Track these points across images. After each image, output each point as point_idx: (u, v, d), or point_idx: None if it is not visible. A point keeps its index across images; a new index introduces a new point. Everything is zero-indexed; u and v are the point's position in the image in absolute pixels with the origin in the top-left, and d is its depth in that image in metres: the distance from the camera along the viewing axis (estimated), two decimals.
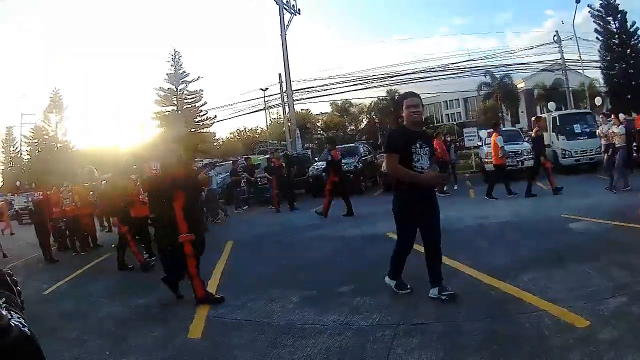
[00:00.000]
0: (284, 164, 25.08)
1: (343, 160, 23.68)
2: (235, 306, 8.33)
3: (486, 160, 26.95)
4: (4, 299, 1.62)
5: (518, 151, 25.79)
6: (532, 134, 20.95)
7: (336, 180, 19.17)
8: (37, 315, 8.83)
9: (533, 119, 25.33)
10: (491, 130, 23.88)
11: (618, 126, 18.11)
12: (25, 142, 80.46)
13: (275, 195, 24.30)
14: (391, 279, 7.86)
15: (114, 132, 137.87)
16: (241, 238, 15.35)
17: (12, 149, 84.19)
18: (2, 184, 78.23)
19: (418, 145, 7.26)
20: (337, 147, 22.51)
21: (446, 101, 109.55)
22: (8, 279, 1.90)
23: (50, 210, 18.60)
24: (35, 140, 77.58)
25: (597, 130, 20.25)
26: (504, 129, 33.79)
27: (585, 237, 10.81)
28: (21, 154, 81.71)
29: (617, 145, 17.75)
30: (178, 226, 8.66)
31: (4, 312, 1.48)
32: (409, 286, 7.75)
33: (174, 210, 8.63)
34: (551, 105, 34.75)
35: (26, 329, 1.52)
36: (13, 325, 1.47)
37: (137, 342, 7.16)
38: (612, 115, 19.46)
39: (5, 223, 21.80)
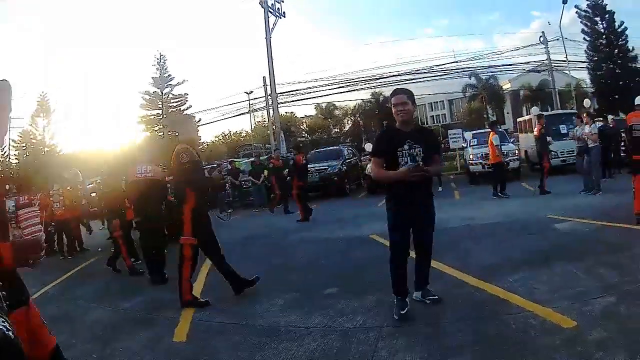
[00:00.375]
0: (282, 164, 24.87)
1: (326, 163, 23.72)
2: (220, 309, 8.34)
3: (471, 162, 27.06)
4: None
5: (503, 152, 25.73)
6: (535, 133, 21.23)
7: (301, 185, 19.62)
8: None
9: (534, 116, 25.76)
10: (488, 130, 24.08)
11: (590, 125, 18.20)
12: (13, 146, 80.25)
13: (278, 196, 24.17)
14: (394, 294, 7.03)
15: (100, 135, 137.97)
16: (226, 241, 15.27)
17: (0, 153, 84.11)
18: None
19: (407, 146, 6.80)
20: (305, 151, 22.83)
21: (431, 103, 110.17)
22: None
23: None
24: (24, 145, 77.38)
25: (571, 133, 20.46)
26: (485, 130, 33.98)
27: (571, 238, 10.84)
28: (9, 158, 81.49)
29: (590, 146, 17.83)
30: (183, 227, 8.68)
31: None
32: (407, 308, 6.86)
33: (183, 210, 8.65)
34: (534, 109, 34.83)
35: (10, 333, 1.50)
36: None
37: (123, 345, 7.14)
38: (585, 115, 19.56)
39: None
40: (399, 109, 6.92)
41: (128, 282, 11.84)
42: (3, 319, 1.53)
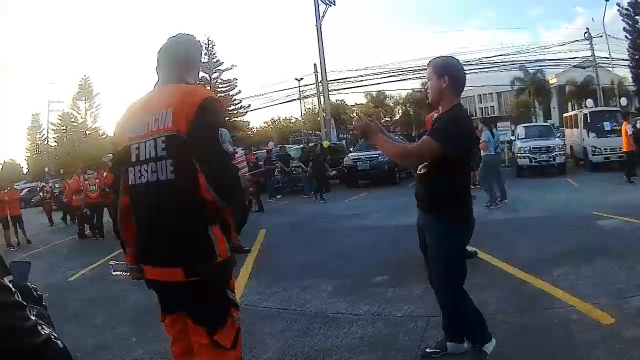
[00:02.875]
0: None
1: (377, 152, 23.78)
2: (267, 294, 8.43)
3: (519, 155, 26.85)
4: (35, 312, 1.71)
5: (550, 146, 25.77)
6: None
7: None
8: (62, 301, 9.12)
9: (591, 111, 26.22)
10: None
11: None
12: (52, 129, 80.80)
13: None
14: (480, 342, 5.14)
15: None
16: (274, 226, 15.44)
17: (38, 135, 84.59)
18: (27, 170, 78.71)
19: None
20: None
21: (480, 95, 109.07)
22: (34, 293, 2.00)
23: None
24: (64, 127, 77.88)
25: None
26: (533, 124, 33.71)
27: (613, 235, 10.78)
28: (48, 141, 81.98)
29: None
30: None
31: (46, 331, 1.59)
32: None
33: None
34: (589, 102, 34.32)
35: (59, 342, 1.63)
36: (51, 340, 1.58)
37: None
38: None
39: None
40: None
41: None
42: (51, 330, 1.64)
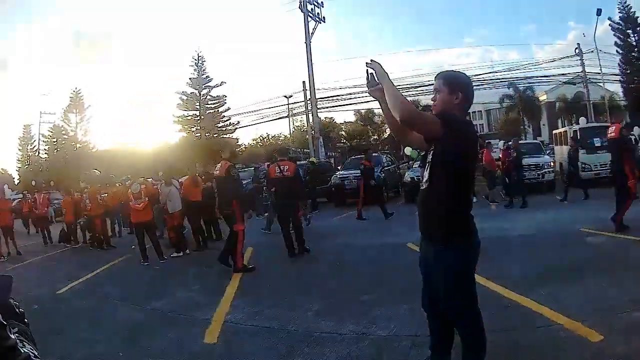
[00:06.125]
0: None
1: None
2: (253, 312, 8.40)
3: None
4: (16, 329, 1.65)
5: (539, 164, 25.78)
6: None
7: None
8: (50, 314, 9.16)
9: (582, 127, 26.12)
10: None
11: None
12: (43, 141, 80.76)
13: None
14: None
15: (136, 133, 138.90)
16: (262, 244, 15.38)
17: (29, 147, 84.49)
18: (18, 181, 78.65)
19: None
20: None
21: (469, 113, 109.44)
22: (16, 310, 1.94)
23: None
24: (54, 139, 77.88)
25: None
26: (522, 142, 33.77)
27: (602, 251, 10.85)
28: (39, 152, 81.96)
29: None
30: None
31: (27, 349, 1.52)
32: None
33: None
34: (582, 120, 34.27)
35: None
36: (30, 358, 1.51)
37: (151, 344, 7.25)
38: None
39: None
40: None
41: (159, 281, 12.07)
42: (31, 347, 1.60)
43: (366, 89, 4.74)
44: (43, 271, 15.34)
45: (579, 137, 26.94)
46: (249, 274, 11.45)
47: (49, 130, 79.23)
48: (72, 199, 21.33)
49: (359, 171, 23.66)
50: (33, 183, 48.02)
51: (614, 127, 13.43)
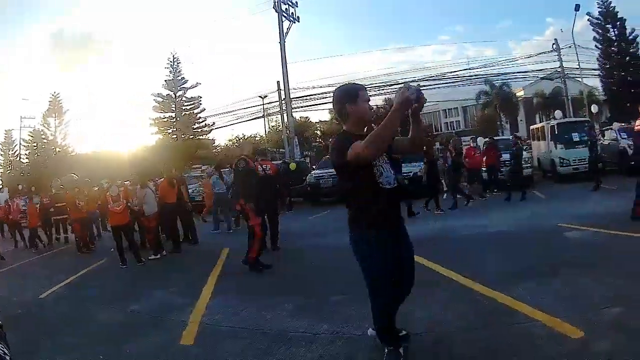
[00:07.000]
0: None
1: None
2: (229, 313, 8.38)
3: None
4: None
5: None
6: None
7: None
8: (33, 319, 9.33)
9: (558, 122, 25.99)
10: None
11: None
12: (24, 146, 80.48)
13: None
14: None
15: (113, 137, 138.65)
16: (237, 245, 15.33)
17: (10, 152, 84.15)
18: (1, 186, 78.29)
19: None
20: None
21: (445, 110, 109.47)
22: None
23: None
24: (35, 144, 77.63)
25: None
26: (501, 137, 33.88)
27: (580, 246, 10.83)
28: (20, 157, 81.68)
29: None
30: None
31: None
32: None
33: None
34: (557, 113, 34.37)
35: (8, 357, 1.54)
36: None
37: (131, 347, 7.20)
38: None
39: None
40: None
41: (138, 284, 12.08)
42: (2, 345, 1.57)
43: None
44: (26, 276, 15.37)
45: (556, 132, 27.09)
46: (223, 276, 11.47)
47: (29, 135, 79.05)
48: (43, 203, 22.20)
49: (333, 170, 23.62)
50: (20, 187, 47.91)
51: (639, 121, 13.58)
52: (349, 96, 5.39)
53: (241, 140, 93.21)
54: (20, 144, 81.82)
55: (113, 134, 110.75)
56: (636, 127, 13.83)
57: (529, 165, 26.41)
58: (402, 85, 4.86)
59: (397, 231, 5.44)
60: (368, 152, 4.78)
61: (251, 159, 12.68)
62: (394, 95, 4.97)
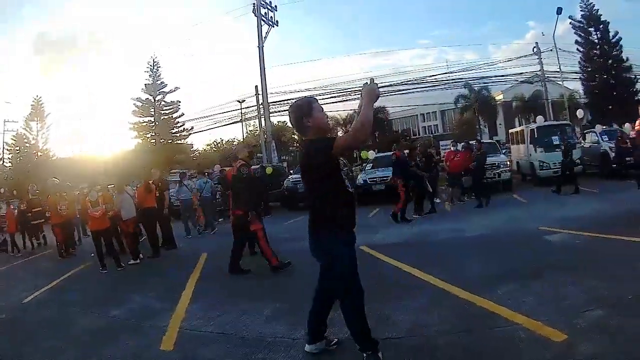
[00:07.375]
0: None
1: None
2: (208, 318, 8.33)
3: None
4: None
5: (495, 163, 25.79)
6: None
7: None
8: (16, 323, 9.39)
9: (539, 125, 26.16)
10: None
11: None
12: (7, 150, 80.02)
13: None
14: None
15: (94, 141, 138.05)
16: (216, 250, 15.25)
17: None
18: None
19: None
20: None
21: (423, 114, 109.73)
22: None
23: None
24: (17, 148, 77.20)
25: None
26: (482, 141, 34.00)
27: (562, 249, 10.81)
28: (3, 161, 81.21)
29: None
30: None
31: None
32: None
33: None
34: (539, 118, 34.59)
35: None
36: None
37: (111, 352, 7.14)
38: None
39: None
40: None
41: (118, 289, 12.01)
42: None
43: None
44: (9, 281, 15.31)
45: (535, 136, 27.22)
46: (201, 281, 11.45)
47: (11, 139, 78.59)
48: (20, 208, 22.34)
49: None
50: (1, 191, 47.63)
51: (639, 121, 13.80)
52: (303, 110, 5.70)
53: (218, 144, 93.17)
54: (3, 147, 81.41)
55: (93, 138, 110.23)
56: (637, 127, 13.99)
57: (507, 169, 26.51)
58: (368, 80, 5.31)
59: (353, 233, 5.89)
60: (355, 140, 5.34)
61: (245, 162, 12.53)
62: (362, 89, 5.27)
